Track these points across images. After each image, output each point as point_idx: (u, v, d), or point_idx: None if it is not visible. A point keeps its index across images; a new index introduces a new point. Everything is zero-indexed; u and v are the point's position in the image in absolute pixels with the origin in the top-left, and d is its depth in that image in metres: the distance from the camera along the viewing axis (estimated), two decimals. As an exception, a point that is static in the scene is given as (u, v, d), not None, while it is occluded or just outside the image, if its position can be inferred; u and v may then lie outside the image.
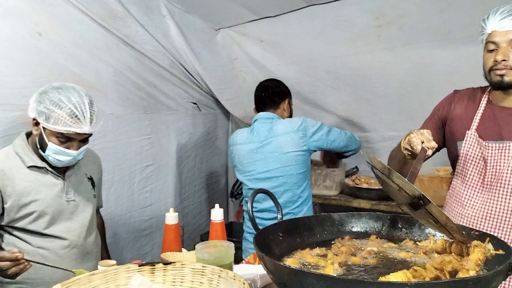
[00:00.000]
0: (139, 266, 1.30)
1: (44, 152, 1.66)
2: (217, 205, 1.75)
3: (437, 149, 1.79)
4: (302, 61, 3.12)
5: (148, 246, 2.81)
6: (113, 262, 1.49)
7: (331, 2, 2.87)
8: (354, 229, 1.36)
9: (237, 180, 3.52)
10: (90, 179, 1.90)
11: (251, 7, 2.99)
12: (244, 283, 1.09)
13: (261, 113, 2.49)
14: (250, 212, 1.21)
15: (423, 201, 1.01)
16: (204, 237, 2.94)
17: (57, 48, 2.18)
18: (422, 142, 1.37)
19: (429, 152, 1.35)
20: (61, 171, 1.77)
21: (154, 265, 1.29)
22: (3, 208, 1.66)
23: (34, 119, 1.66)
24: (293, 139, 2.34)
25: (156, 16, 2.76)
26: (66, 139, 1.64)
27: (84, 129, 1.63)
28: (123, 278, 1.27)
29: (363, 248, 1.23)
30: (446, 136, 1.74)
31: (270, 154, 2.38)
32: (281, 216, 1.30)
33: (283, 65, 3.22)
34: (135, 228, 2.72)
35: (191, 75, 3.10)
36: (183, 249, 1.71)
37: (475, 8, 2.48)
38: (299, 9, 2.99)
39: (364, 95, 3.02)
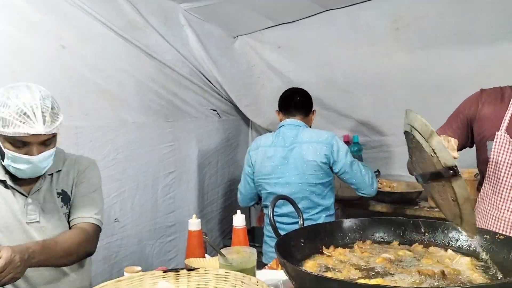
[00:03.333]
0: (163, 272, 1.32)
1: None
2: (238, 211, 1.77)
3: (459, 149, 1.77)
4: (319, 66, 3.12)
5: (173, 252, 2.85)
6: (139, 268, 1.53)
7: (347, 6, 2.87)
8: (376, 234, 1.36)
9: (259, 185, 3.52)
10: (61, 194, 1.59)
11: (268, 13, 3.02)
12: (267, 289, 1.10)
13: (288, 120, 2.46)
14: (272, 218, 1.22)
15: (454, 172, 0.98)
16: (227, 242, 2.96)
17: (81, 60, 2.24)
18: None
19: None
20: (26, 187, 1.52)
21: (178, 271, 1.32)
22: None
23: None
24: (316, 150, 2.32)
25: (175, 26, 2.81)
26: (22, 144, 1.40)
27: (37, 129, 1.36)
28: (148, 284, 1.30)
29: (380, 254, 1.23)
30: (475, 136, 1.70)
31: (292, 160, 2.37)
32: (302, 222, 1.31)
33: (301, 70, 3.23)
34: (159, 234, 2.77)
35: (211, 82, 3.14)
36: (206, 255, 1.73)
37: (495, 8, 2.45)
38: (316, 14, 3.00)
39: (383, 99, 3.01)
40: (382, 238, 1.35)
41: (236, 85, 3.32)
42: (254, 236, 3.22)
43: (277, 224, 2.40)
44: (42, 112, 1.38)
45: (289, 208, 2.34)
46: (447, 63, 2.70)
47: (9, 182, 1.49)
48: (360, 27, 2.88)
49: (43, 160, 1.44)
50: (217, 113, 3.30)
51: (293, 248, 1.13)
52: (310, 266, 1.11)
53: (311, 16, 3.03)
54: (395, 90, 2.94)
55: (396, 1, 2.71)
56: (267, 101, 3.50)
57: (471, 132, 1.74)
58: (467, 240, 1.26)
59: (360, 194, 2.43)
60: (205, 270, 1.32)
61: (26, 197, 1.51)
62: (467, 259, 1.17)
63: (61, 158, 1.63)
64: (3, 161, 1.44)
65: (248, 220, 3.69)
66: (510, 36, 2.44)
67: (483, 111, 1.67)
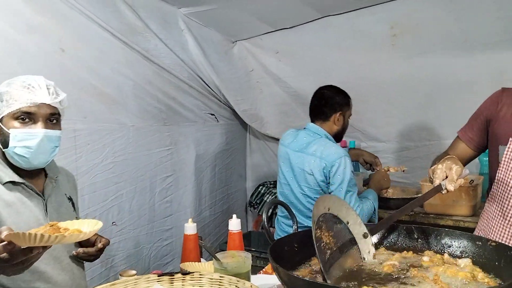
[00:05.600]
0: (158, 276, 1.33)
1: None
2: (234, 216, 1.78)
3: (482, 150, 1.72)
4: (316, 72, 3.14)
5: (170, 255, 2.85)
6: (134, 272, 1.53)
7: (345, 12, 2.90)
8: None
9: (255, 190, 3.54)
10: (70, 199, 1.62)
11: (267, 19, 3.04)
12: (260, 293, 1.11)
13: (311, 124, 2.37)
14: (265, 223, 1.23)
15: None
16: (223, 246, 2.97)
17: (80, 63, 2.24)
18: (447, 177, 1.31)
19: (444, 192, 1.31)
20: (39, 189, 1.47)
21: (173, 275, 1.33)
22: None
23: None
24: (316, 165, 2.24)
25: (174, 30, 2.82)
26: (27, 117, 1.37)
27: (42, 97, 1.36)
28: (143, 288, 1.30)
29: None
30: (489, 137, 1.63)
31: (295, 168, 2.33)
32: (296, 227, 1.32)
33: (298, 76, 3.25)
34: (157, 237, 2.77)
35: (209, 86, 3.15)
36: (202, 259, 1.74)
37: (492, 15, 2.48)
38: (314, 20, 3.03)
39: (379, 105, 3.03)
40: (375, 243, 1.34)
41: (234, 90, 3.34)
42: (250, 241, 3.23)
43: (283, 226, 2.43)
44: (46, 85, 1.40)
45: (294, 210, 2.33)
46: (444, 69, 2.73)
47: (28, 184, 1.42)
48: (358, 33, 2.91)
49: (50, 138, 1.40)
50: (215, 118, 3.31)
51: (286, 253, 1.14)
52: (303, 272, 1.12)
53: (309, 22, 3.06)
54: (392, 96, 2.97)
55: (393, 7, 2.74)
56: (265, 106, 3.52)
57: None
58: (459, 247, 1.27)
59: None
60: (200, 274, 1.32)
61: (43, 199, 1.47)
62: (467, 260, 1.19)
63: (55, 165, 1.62)
64: (8, 148, 1.37)
65: (244, 224, 3.69)
66: (506, 44, 2.46)
67: (502, 112, 1.58)
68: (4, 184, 1.38)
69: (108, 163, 2.41)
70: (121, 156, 2.48)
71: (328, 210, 1.19)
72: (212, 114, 3.27)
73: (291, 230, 2.36)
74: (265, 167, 3.63)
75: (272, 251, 1.06)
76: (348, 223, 1.22)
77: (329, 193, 2.23)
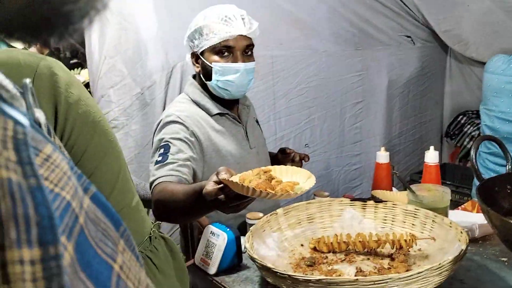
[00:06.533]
0: (351, 200, 1.37)
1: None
2: (431, 147, 1.67)
3: None
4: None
5: (358, 180, 2.90)
6: (327, 193, 1.61)
7: None
8: None
9: (454, 120, 3.24)
10: (257, 121, 1.71)
11: None
12: (461, 232, 1.05)
13: None
14: (474, 160, 1.12)
15: None
16: (414, 177, 2.87)
17: (277, -12, 2.29)
18: None
19: None
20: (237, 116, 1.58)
21: (366, 202, 1.35)
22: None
23: (192, 55, 1.50)
24: None
25: None
26: (226, 50, 1.42)
27: (238, 29, 1.40)
28: (336, 210, 1.37)
29: None
30: None
31: None
32: (510, 166, 1.16)
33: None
34: (345, 162, 2.83)
35: (406, 5, 2.89)
36: (393, 188, 1.72)
37: None
38: None
39: None
40: None
41: (435, 7, 2.98)
42: (445, 174, 3.03)
43: (487, 163, 2.21)
44: (241, 15, 1.43)
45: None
46: None
47: (231, 114, 1.54)
48: None
49: (248, 71, 1.46)
50: (411, 40, 3.05)
51: (498, 195, 1.02)
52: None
53: None
54: None
55: None
56: (471, 25, 3.06)
57: None
58: None
59: None
60: (393, 204, 1.31)
61: (242, 126, 1.58)
62: None
63: None
64: (211, 81, 1.45)
65: (439, 156, 3.46)
66: None
67: None
68: (212, 116, 1.50)
69: (302, 88, 2.50)
70: (314, 82, 2.54)
71: None
72: (408, 36, 3.02)
73: (498, 169, 2.14)
74: (467, 94, 3.25)
75: (480, 191, 0.97)
76: None
77: None
